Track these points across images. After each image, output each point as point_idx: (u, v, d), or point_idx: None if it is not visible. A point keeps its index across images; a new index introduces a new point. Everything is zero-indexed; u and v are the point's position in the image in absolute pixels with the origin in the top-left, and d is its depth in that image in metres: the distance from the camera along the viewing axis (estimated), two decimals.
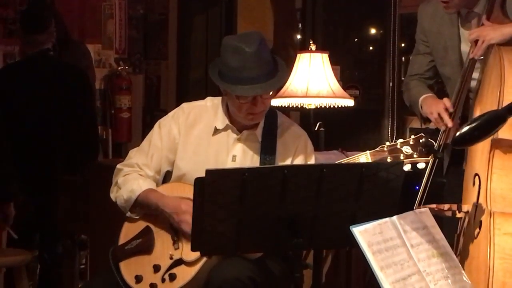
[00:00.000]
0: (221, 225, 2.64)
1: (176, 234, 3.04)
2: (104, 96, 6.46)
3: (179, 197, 3.04)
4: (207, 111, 3.22)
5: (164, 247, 3.04)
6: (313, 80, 4.93)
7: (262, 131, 3.17)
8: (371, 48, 6.68)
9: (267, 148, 3.14)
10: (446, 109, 3.24)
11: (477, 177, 2.97)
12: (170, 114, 3.26)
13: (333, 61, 5.13)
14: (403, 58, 6.03)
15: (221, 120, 3.18)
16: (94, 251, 4.60)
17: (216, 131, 3.18)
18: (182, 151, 3.18)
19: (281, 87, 4.66)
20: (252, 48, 2.98)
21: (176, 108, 3.27)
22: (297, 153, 3.19)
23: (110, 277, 3.05)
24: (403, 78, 5.99)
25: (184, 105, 3.27)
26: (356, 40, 6.71)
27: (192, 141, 3.18)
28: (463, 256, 2.97)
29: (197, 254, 2.94)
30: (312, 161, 3.23)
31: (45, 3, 5.74)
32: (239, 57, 2.99)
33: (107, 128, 6.43)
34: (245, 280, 2.86)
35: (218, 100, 3.24)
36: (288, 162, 3.17)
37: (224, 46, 3.06)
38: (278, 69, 3.09)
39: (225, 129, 3.17)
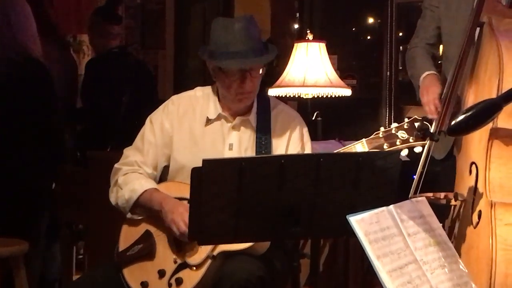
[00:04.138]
0: (218, 214, 2.63)
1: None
2: None
3: (182, 200, 3.01)
4: (197, 101, 3.20)
5: (166, 251, 3.02)
6: (310, 69, 4.93)
7: (256, 116, 3.16)
8: (368, 37, 6.68)
9: (262, 133, 3.13)
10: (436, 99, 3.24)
11: (474, 165, 2.97)
12: (160, 108, 3.23)
13: (330, 51, 5.14)
14: (400, 47, 6.04)
15: (213, 110, 3.16)
16: (91, 242, 4.60)
17: (209, 121, 3.16)
18: (178, 144, 3.15)
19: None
20: (240, 24, 3.02)
21: (166, 101, 3.24)
22: (292, 136, 3.19)
23: (109, 270, 3.05)
24: (400, 68, 6.02)
25: (174, 97, 3.25)
26: (353, 29, 6.71)
27: (186, 133, 3.16)
28: (460, 245, 2.97)
29: (201, 256, 2.95)
30: (307, 143, 3.23)
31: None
32: (228, 33, 3.02)
33: None
34: (255, 280, 2.85)
35: (208, 89, 3.23)
36: (283, 145, 3.17)
37: (214, 25, 3.08)
38: (268, 50, 3.11)
39: (218, 118, 3.16)
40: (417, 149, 3.04)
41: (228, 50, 3.01)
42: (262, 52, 3.07)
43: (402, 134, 3.00)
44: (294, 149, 3.18)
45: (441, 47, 3.66)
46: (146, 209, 3.09)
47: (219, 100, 3.17)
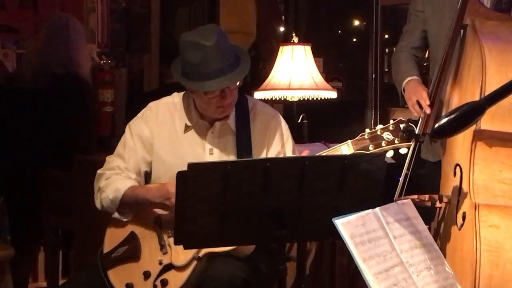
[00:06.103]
0: (204, 218, 2.63)
1: (163, 238, 3.02)
2: None
3: (162, 183, 3.02)
4: (175, 108, 3.18)
5: (152, 253, 3.02)
6: (295, 72, 4.93)
7: (235, 119, 3.15)
8: (354, 40, 6.70)
9: (242, 136, 3.12)
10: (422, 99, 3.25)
11: (458, 167, 2.98)
12: (139, 115, 3.22)
13: (316, 53, 5.14)
14: (386, 50, 6.06)
15: (191, 117, 3.15)
16: (78, 246, 4.58)
17: (187, 127, 3.15)
18: (158, 151, 3.15)
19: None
20: (211, 41, 2.94)
21: (144, 109, 3.23)
22: (272, 135, 3.18)
23: (94, 274, 3.03)
24: (386, 70, 6.03)
25: (151, 104, 3.23)
26: (339, 32, 6.72)
27: (166, 140, 3.15)
28: (445, 246, 2.97)
29: (187, 258, 2.95)
30: (289, 141, 3.22)
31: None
32: (200, 53, 2.95)
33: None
34: (239, 282, 2.86)
35: (185, 94, 3.20)
36: (264, 146, 3.16)
37: (182, 44, 3.01)
38: (240, 57, 3.05)
39: (196, 124, 3.14)
40: (403, 151, 3.04)
41: (205, 71, 2.95)
42: (237, 63, 3.02)
43: (387, 136, 3.01)
44: (275, 149, 3.18)
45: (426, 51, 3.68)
46: (132, 206, 3.08)
47: (196, 107, 3.15)
